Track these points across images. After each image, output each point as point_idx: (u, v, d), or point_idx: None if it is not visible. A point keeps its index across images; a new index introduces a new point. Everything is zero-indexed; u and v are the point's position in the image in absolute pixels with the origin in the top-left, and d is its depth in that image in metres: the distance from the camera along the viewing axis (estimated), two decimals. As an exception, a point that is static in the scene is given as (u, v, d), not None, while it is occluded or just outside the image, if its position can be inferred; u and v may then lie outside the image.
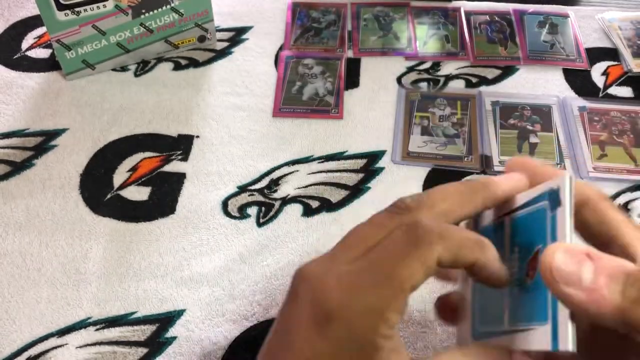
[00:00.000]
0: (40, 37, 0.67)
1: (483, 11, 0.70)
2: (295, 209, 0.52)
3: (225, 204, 0.52)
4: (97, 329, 0.45)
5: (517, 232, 0.28)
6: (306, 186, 0.54)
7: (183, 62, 0.64)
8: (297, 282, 0.25)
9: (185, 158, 0.56)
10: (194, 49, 0.66)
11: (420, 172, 0.55)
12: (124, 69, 0.63)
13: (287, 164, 0.55)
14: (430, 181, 0.54)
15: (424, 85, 0.63)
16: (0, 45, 0.66)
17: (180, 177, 0.54)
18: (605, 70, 0.64)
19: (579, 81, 0.63)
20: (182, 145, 0.57)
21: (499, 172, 0.55)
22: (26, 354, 0.44)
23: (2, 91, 0.61)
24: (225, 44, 0.66)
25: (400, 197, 0.26)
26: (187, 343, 0.44)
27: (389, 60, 0.65)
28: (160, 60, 0.64)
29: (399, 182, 0.54)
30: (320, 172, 0.55)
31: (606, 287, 0.21)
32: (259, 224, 0.51)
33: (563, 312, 0.23)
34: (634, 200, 0.53)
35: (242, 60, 0.65)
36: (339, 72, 0.63)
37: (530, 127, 0.58)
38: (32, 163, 0.55)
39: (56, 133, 0.58)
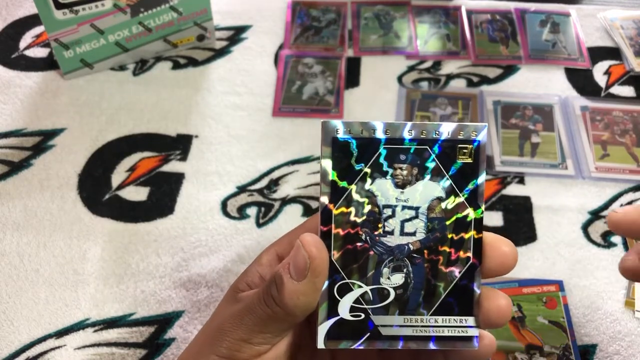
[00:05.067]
0: (38, 36, 0.66)
1: (484, 10, 0.70)
2: (295, 209, 0.52)
3: (224, 204, 0.52)
4: (95, 330, 0.45)
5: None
6: (306, 186, 0.53)
7: (182, 61, 0.64)
8: None
9: (184, 158, 0.55)
10: (193, 48, 0.65)
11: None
12: (122, 68, 0.63)
13: (287, 164, 0.55)
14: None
15: (424, 84, 0.62)
16: (-2, 44, 0.66)
17: (179, 177, 0.54)
18: (607, 70, 0.64)
19: (581, 80, 0.63)
20: (181, 145, 0.57)
21: (501, 172, 0.55)
22: (24, 355, 0.43)
23: (0, 90, 0.61)
24: (225, 43, 0.66)
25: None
26: (186, 345, 0.44)
27: (389, 59, 0.65)
28: (159, 59, 0.64)
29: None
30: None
31: None
32: (259, 225, 0.51)
33: None
34: (636, 200, 0.53)
35: (242, 59, 0.64)
36: (339, 71, 0.63)
37: (532, 127, 0.58)
38: (30, 163, 0.55)
39: (54, 133, 0.57)
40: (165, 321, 0.45)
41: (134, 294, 0.46)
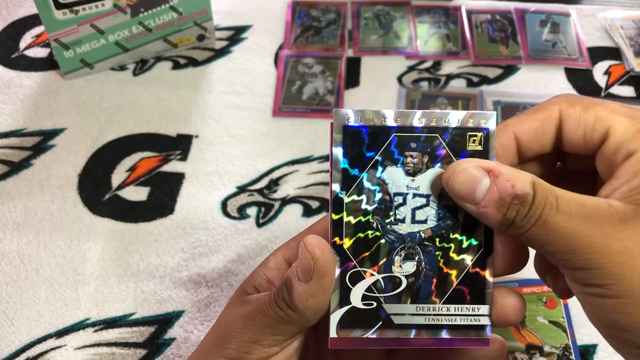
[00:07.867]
0: (38, 36, 0.66)
1: (484, 10, 0.70)
2: (295, 209, 0.52)
3: (224, 204, 0.52)
4: (95, 330, 0.45)
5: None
6: (306, 186, 0.53)
7: (182, 61, 0.64)
8: None
9: (184, 158, 0.56)
10: (193, 48, 0.65)
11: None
12: (122, 68, 0.63)
13: (286, 164, 0.55)
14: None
15: (424, 84, 0.62)
16: (-1, 44, 0.66)
17: (179, 177, 0.54)
18: (607, 70, 0.64)
19: (581, 80, 0.63)
20: (181, 145, 0.57)
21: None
22: (24, 355, 0.43)
23: (0, 90, 0.61)
24: (225, 43, 0.66)
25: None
26: (186, 345, 0.44)
27: (389, 59, 0.65)
28: (159, 59, 0.64)
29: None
30: (320, 172, 0.54)
31: (492, 207, 0.24)
32: (259, 225, 0.51)
33: None
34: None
35: (242, 59, 0.64)
36: (339, 71, 0.63)
37: (532, 127, 0.58)
38: (30, 163, 0.55)
39: (54, 133, 0.57)
40: (165, 321, 0.45)
41: (134, 294, 0.46)
